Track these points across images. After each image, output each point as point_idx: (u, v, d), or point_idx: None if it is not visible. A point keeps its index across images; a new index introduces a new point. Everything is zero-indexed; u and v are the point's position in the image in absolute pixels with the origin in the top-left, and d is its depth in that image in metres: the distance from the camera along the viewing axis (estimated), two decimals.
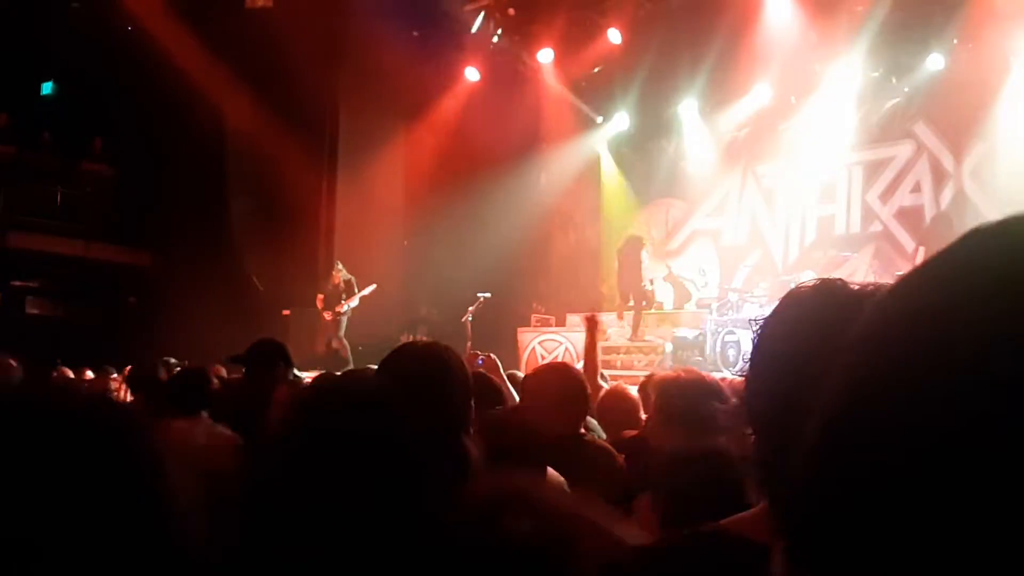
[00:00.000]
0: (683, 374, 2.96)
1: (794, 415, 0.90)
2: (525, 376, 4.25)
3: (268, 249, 13.87)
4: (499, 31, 13.81)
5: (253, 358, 4.49)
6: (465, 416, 2.13)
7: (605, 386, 4.46)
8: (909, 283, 0.43)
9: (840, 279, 1.13)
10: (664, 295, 13.49)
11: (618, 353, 12.14)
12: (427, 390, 1.89)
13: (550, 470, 2.41)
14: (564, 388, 3.13)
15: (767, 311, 1.24)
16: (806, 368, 0.84)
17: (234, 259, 14.07)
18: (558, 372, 3.39)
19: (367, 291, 12.33)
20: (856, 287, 1.06)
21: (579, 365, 4.70)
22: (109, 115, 14.36)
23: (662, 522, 1.76)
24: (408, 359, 2.16)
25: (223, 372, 6.72)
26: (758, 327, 1.12)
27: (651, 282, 12.83)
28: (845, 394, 0.42)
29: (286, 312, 12.98)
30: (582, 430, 3.17)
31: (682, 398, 2.73)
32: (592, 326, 4.83)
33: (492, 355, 4.80)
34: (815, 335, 0.90)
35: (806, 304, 1.09)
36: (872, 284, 1.07)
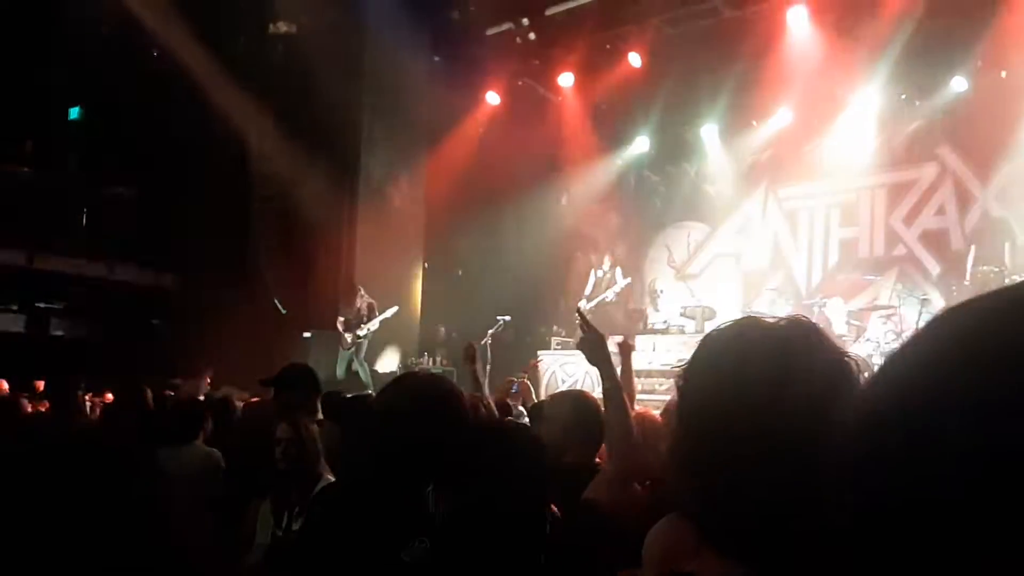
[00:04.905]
0: None
1: (731, 441, 1.04)
2: (539, 402, 4.19)
3: (290, 272, 13.91)
4: (520, 56, 13.88)
5: (283, 381, 4.52)
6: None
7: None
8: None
9: (755, 316, 1.23)
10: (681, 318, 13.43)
11: (638, 377, 12.03)
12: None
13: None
14: (577, 415, 3.07)
15: None
16: (729, 402, 1.05)
17: (257, 282, 14.12)
18: (572, 399, 3.31)
19: (389, 313, 12.30)
20: (768, 323, 1.17)
21: (596, 392, 4.57)
22: (135, 139, 14.50)
23: None
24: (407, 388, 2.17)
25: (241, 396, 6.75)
26: (684, 366, 1.19)
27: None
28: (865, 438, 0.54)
29: (307, 334, 12.99)
30: (597, 460, 3.10)
31: None
32: (627, 351, 4.62)
33: (527, 381, 4.76)
34: (733, 372, 1.08)
35: (722, 342, 1.18)
36: (782, 319, 1.18)
